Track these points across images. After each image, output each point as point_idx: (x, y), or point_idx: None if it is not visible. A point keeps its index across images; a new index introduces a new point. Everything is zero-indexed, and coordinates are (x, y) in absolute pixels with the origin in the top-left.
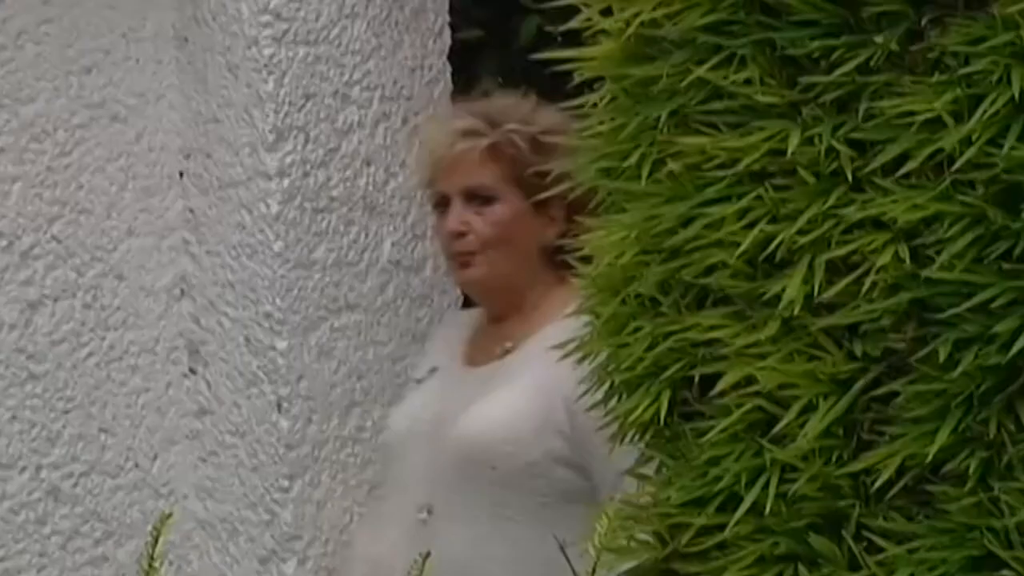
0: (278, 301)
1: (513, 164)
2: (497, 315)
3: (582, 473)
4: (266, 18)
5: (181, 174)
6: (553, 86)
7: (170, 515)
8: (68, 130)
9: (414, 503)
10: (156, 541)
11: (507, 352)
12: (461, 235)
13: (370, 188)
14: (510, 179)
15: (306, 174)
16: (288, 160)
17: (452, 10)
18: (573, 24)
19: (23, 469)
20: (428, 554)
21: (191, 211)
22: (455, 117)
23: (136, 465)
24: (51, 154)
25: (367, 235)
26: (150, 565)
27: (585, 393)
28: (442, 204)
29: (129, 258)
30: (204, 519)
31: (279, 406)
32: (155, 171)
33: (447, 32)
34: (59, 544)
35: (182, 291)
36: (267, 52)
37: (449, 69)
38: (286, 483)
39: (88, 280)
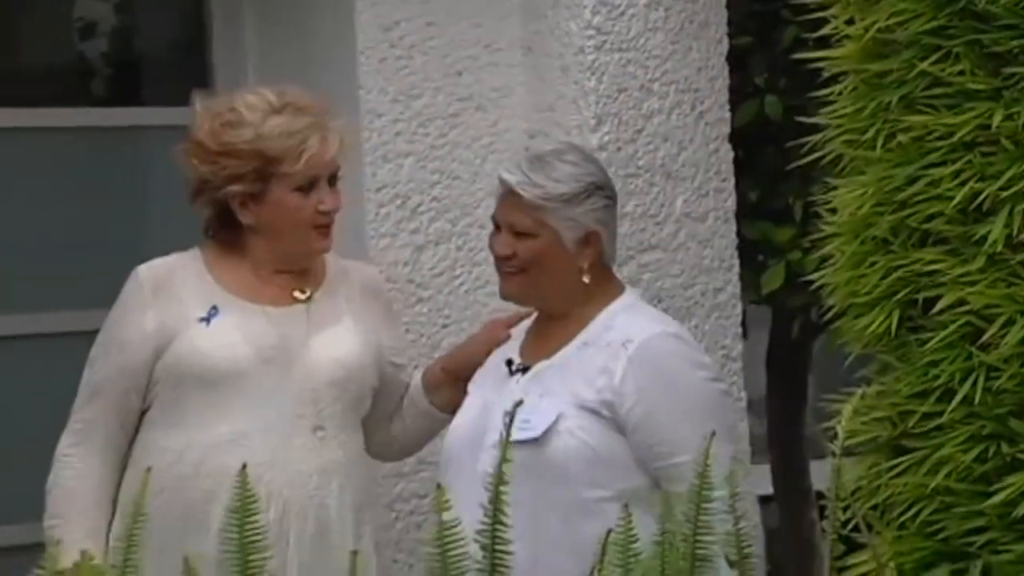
0: None
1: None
2: (294, 272)
3: (375, 400)
4: (590, 32)
5: (527, 149)
6: (809, 79)
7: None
8: (445, 118)
9: (297, 421)
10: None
11: (305, 295)
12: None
13: (667, 158)
14: None
15: (619, 148)
16: (606, 138)
17: (729, 22)
18: (824, 31)
19: (416, 367)
20: None
21: None
22: (308, 105)
23: None
24: (433, 136)
25: (664, 193)
26: (505, 440)
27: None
28: (310, 185)
29: (484, 213)
30: None
31: None
32: (508, 147)
33: (726, 39)
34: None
35: None
36: (590, 57)
37: (727, 68)
38: None
39: (459, 229)
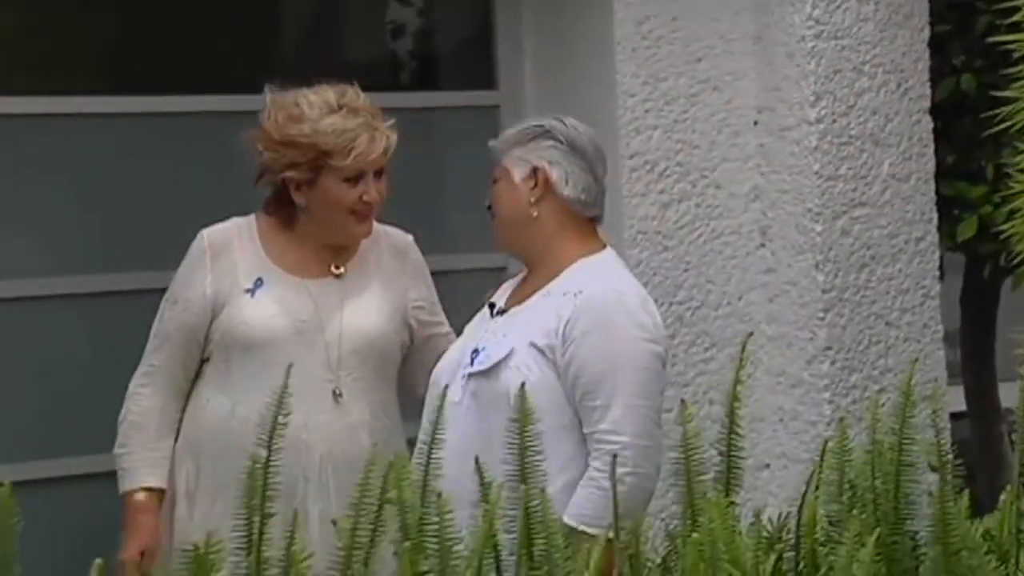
0: (816, 200)
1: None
2: (336, 246)
3: (404, 352)
4: (810, 23)
5: (755, 122)
6: (1001, 59)
7: (751, 333)
8: (686, 97)
9: (324, 385)
10: (743, 349)
11: (340, 270)
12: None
13: (875, 128)
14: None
15: (834, 121)
16: (823, 112)
17: (930, 12)
18: (1015, 18)
19: (658, 303)
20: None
21: (761, 145)
22: (362, 107)
23: (728, 303)
24: (676, 112)
25: (873, 158)
26: (740, 364)
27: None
28: (357, 178)
29: (723, 176)
30: (771, 336)
31: (817, 266)
32: (740, 121)
33: (927, 27)
34: (683, 349)
35: (756, 195)
36: (810, 44)
37: (928, 51)
38: (822, 314)
39: (698, 189)
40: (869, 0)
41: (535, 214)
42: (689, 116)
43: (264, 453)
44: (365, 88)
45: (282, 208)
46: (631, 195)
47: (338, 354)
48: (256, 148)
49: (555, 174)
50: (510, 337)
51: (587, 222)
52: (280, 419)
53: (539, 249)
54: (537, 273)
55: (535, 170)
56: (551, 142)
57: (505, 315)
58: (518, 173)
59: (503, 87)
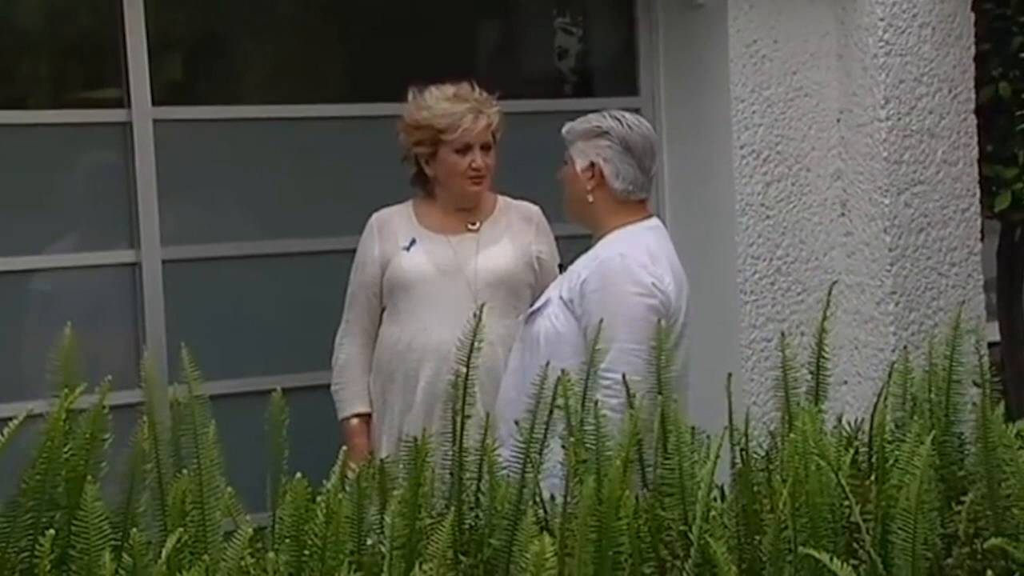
0: (884, 179)
1: (494, 130)
2: (466, 208)
3: (533, 291)
4: (881, 44)
5: (837, 120)
6: None
7: (834, 282)
8: (784, 101)
9: (466, 311)
10: (829, 293)
11: (475, 227)
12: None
13: (931, 125)
14: (494, 138)
15: (899, 119)
16: (891, 112)
17: (975, 34)
18: None
19: (761, 259)
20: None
21: (842, 138)
22: (472, 97)
23: (816, 258)
24: (776, 112)
25: (929, 147)
26: (826, 305)
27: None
28: (465, 149)
29: (812, 161)
30: (849, 283)
31: (885, 230)
32: (825, 119)
33: (973, 46)
34: (780, 294)
35: (837, 176)
36: (881, 60)
37: (973, 65)
38: (888, 267)
39: (792, 172)
40: (927, 26)
41: (591, 199)
42: (786, 116)
43: (464, 370)
44: (536, 95)
45: (422, 180)
46: (741, 176)
47: (475, 287)
48: (398, 134)
49: (608, 170)
50: (552, 290)
51: (634, 202)
52: (477, 343)
53: (593, 223)
54: (593, 239)
55: (592, 164)
56: (607, 141)
57: (563, 272)
58: (579, 164)
59: (643, 93)
